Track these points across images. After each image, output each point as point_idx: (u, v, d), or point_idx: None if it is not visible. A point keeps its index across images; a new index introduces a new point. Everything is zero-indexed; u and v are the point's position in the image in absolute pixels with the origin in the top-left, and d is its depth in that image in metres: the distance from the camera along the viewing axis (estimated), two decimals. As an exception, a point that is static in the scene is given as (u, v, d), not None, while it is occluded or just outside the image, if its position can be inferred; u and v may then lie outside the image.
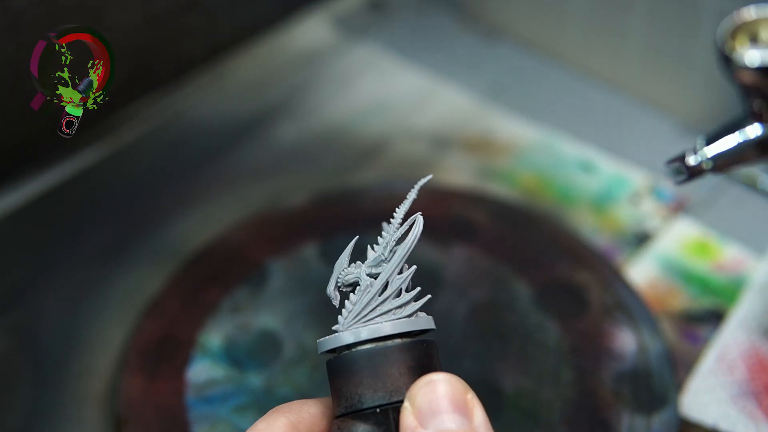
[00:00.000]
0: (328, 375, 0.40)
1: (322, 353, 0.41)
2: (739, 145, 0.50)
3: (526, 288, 0.67)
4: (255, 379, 0.63)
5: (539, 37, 0.88)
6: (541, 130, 0.81)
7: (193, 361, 0.64)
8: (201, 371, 0.63)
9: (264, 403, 0.61)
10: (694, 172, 0.51)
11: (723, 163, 0.51)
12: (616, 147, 0.79)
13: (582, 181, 0.77)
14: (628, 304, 0.65)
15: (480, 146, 0.80)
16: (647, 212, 0.74)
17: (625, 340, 0.63)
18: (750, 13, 0.49)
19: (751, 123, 0.50)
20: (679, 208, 0.74)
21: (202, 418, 0.61)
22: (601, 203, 0.75)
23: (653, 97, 0.82)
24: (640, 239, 0.72)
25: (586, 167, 0.78)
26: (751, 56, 0.47)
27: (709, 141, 0.51)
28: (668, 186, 0.76)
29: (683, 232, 0.72)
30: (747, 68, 0.47)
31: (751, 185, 0.75)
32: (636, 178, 0.76)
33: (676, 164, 0.52)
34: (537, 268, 0.68)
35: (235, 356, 0.64)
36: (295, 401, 0.41)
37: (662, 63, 0.80)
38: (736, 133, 0.50)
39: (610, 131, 0.81)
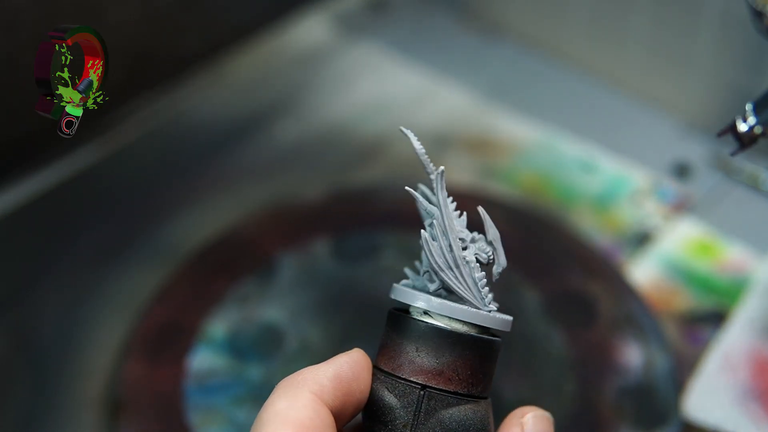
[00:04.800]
0: (454, 343, 0.40)
1: (461, 321, 0.41)
2: None
3: (532, 294, 0.66)
4: (254, 372, 0.62)
5: (540, 36, 0.88)
6: (542, 129, 0.81)
7: (196, 350, 0.63)
8: (202, 360, 0.63)
9: (261, 396, 0.61)
10: (747, 140, 0.50)
11: None
12: (617, 146, 0.79)
13: (583, 180, 0.77)
14: (638, 319, 0.64)
15: (480, 146, 0.80)
16: (649, 212, 0.74)
17: (632, 355, 0.63)
18: None
19: None
20: (680, 207, 0.74)
21: (199, 407, 0.60)
22: (602, 203, 0.75)
23: (655, 96, 0.82)
24: (642, 239, 0.71)
25: (588, 167, 0.78)
26: None
27: (757, 105, 0.50)
28: (670, 185, 0.75)
29: (685, 232, 0.72)
30: None
31: (754, 185, 0.75)
32: (637, 177, 0.76)
33: (727, 134, 0.51)
34: (545, 275, 0.67)
35: (237, 347, 0.64)
36: (304, 370, 0.39)
37: (664, 62, 0.80)
38: None
39: (611, 130, 0.81)
